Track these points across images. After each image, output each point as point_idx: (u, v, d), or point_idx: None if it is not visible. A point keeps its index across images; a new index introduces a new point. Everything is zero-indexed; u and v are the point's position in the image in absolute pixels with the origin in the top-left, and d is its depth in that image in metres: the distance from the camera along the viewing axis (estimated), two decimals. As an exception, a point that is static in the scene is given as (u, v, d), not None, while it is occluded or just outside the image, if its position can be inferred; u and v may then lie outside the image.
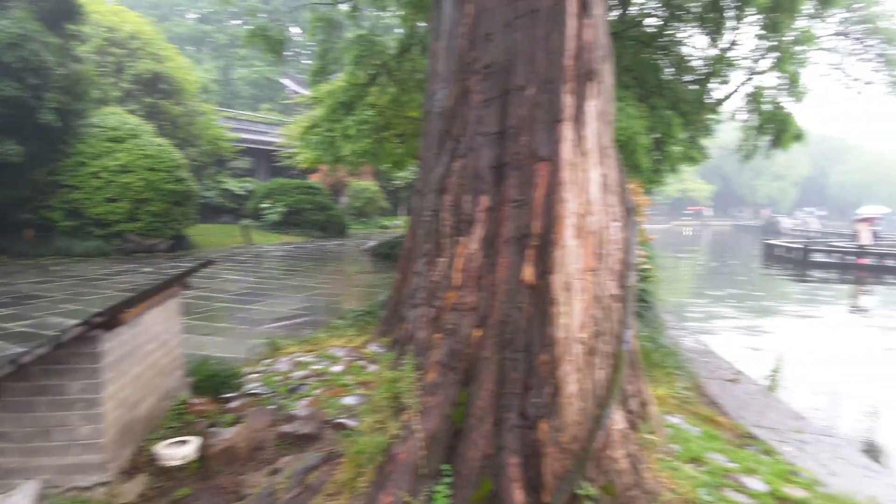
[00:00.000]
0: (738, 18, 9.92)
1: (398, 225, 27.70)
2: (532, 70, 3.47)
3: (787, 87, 10.66)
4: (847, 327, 14.76)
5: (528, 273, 3.26)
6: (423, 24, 11.31)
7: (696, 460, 3.67)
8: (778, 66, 10.14)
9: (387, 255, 16.09)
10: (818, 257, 26.48)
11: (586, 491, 2.87)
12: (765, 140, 11.43)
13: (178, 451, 3.77)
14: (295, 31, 40.23)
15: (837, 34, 12.30)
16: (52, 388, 3.34)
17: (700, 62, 11.46)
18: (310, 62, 14.95)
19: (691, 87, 11.41)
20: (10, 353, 3.09)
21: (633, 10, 11.11)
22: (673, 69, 11.55)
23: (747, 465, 3.75)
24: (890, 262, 24.56)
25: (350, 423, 4.02)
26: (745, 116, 11.58)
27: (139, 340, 3.97)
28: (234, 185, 24.99)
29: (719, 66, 10.83)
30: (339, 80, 13.60)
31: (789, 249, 28.12)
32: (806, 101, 10.87)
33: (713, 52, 10.91)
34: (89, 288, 6.86)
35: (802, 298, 19.80)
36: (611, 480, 2.98)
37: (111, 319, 3.48)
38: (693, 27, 10.88)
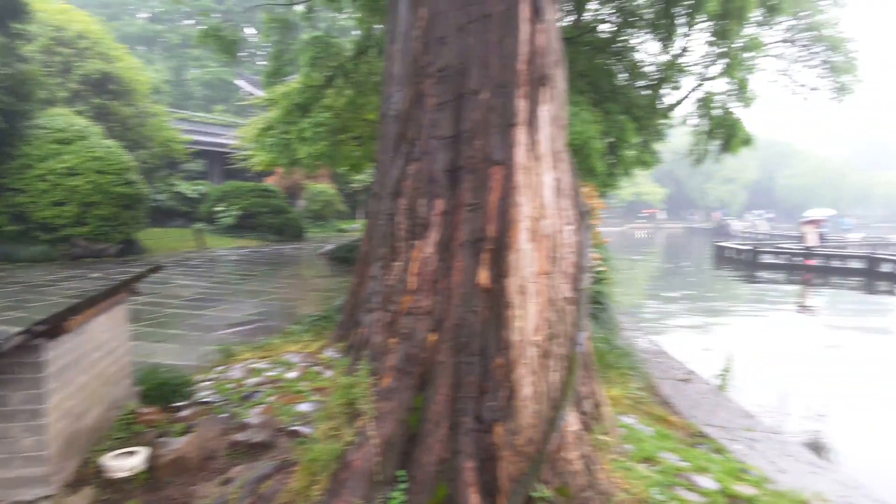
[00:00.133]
0: (689, 25, 10.14)
1: (356, 228, 27.47)
2: (486, 74, 3.48)
3: (736, 92, 10.95)
4: (794, 326, 15.24)
5: (484, 277, 3.27)
6: (380, 26, 11.25)
7: (649, 460, 3.73)
8: (727, 72, 10.41)
9: (344, 258, 15.95)
10: (767, 259, 27.28)
11: (541, 493, 2.89)
12: (715, 144, 11.70)
13: (125, 463, 3.64)
14: (250, 31, 39.72)
15: (784, 41, 12.66)
16: (-9, 399, 3.20)
17: (653, 68, 11.69)
18: (265, 63, 14.73)
19: (644, 92, 11.63)
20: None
21: (587, 15, 11.25)
22: (626, 74, 11.75)
23: (699, 464, 3.82)
24: (835, 263, 25.45)
25: (305, 430, 3.96)
26: (695, 121, 11.84)
27: (85, 349, 3.84)
28: (186, 187, 24.40)
29: (671, 71, 11.07)
30: (294, 82, 13.44)
31: (739, 251, 28.89)
32: (754, 107, 11.19)
33: (665, 58, 11.14)
34: (35, 294, 6.65)
35: (752, 299, 20.40)
36: (565, 482, 3.00)
37: (55, 327, 3.35)
38: (646, 33, 11.08)
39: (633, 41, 11.53)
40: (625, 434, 4.06)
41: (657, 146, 13.17)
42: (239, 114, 33.99)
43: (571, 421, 3.22)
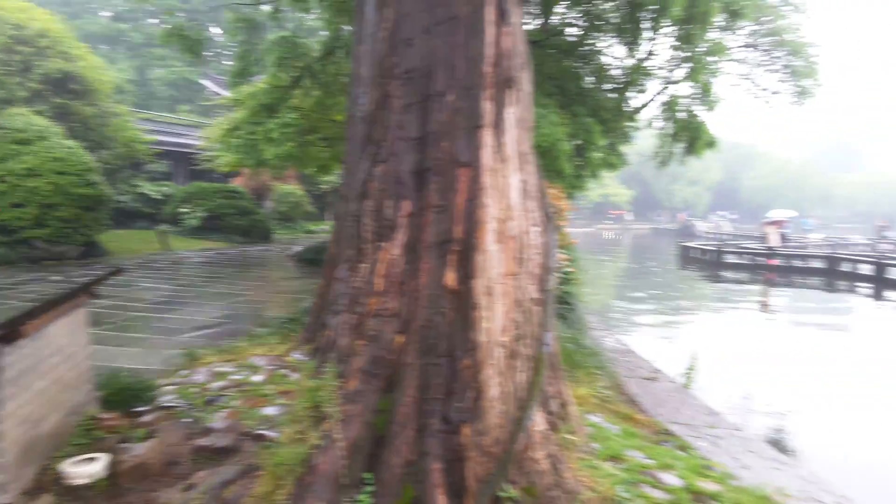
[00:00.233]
0: (655, 29, 10.31)
1: (325, 230, 27.29)
2: (452, 76, 3.48)
3: (700, 96, 11.17)
4: (757, 325, 15.57)
5: (450, 278, 3.27)
6: (348, 27, 11.21)
7: (615, 458, 3.77)
8: (692, 76, 10.61)
9: (312, 260, 15.84)
10: (730, 259, 27.85)
11: (508, 493, 2.90)
12: (680, 147, 11.93)
13: (85, 469, 3.56)
14: (215, 31, 39.12)
15: (747, 46, 12.93)
16: (-56, 406, 3.10)
17: (619, 71, 11.87)
18: (231, 63, 14.54)
19: (611, 95, 11.81)
20: None
21: (554, 19, 11.37)
22: (593, 78, 11.91)
23: (664, 461, 3.88)
24: (797, 263, 26.10)
25: (270, 434, 3.91)
26: (661, 124, 12.05)
27: (43, 354, 3.74)
28: (150, 188, 23.95)
29: (637, 75, 11.25)
30: (261, 82, 13.32)
31: (704, 251, 29.40)
32: (718, 110, 11.44)
33: (631, 61, 11.32)
34: (-9, 298, 6.44)
35: (716, 298, 20.79)
36: (532, 482, 3.02)
37: (11, 332, 3.27)
38: (612, 37, 11.25)
39: (599, 45, 11.70)
40: (591, 433, 4.10)
41: (624, 148, 13.38)
42: (204, 114, 33.50)
43: (538, 421, 3.24)
